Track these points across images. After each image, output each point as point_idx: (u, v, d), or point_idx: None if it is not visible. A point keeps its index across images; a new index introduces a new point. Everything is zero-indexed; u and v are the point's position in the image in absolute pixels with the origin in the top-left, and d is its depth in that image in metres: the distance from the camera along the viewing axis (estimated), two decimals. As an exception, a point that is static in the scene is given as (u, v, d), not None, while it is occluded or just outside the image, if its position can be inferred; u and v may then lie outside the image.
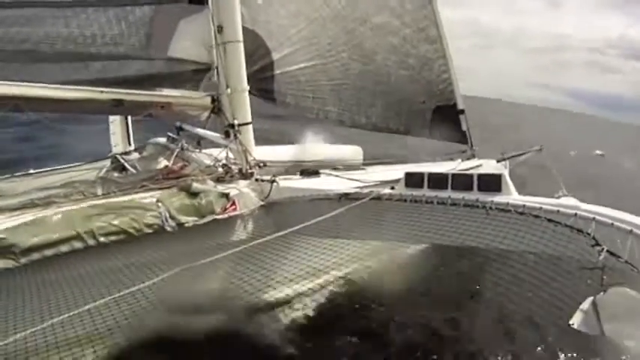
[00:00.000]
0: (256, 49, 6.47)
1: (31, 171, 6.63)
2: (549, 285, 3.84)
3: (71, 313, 3.53)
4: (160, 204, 4.61)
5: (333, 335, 5.14)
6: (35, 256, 3.97)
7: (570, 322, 3.37)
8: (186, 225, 4.65)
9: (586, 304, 3.40)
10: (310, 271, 4.77)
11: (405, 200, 4.56)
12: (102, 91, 5.31)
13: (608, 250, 3.39)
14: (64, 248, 4.09)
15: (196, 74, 6.04)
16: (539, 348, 5.05)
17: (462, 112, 7.49)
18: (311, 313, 5.35)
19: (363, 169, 6.48)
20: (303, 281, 4.92)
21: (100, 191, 5.12)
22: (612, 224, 3.50)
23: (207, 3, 5.75)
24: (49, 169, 6.77)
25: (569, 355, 4.92)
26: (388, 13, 7.31)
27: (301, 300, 5.27)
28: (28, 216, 4.39)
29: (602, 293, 3.39)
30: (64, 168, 6.89)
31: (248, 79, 5.97)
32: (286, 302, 5.15)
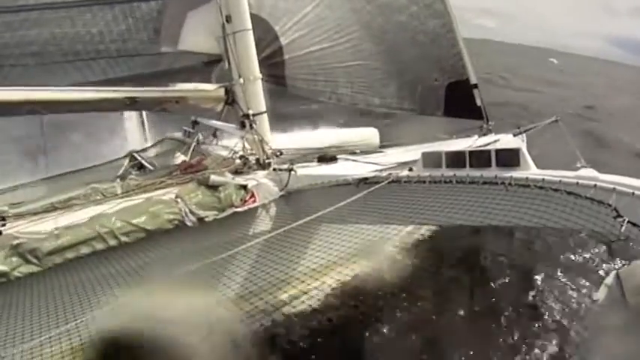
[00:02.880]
0: (264, 35, 6.39)
1: (49, 174, 6.66)
2: (572, 260, 3.81)
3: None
4: (179, 200, 4.60)
5: (360, 323, 5.13)
6: (57, 259, 3.99)
7: (595, 297, 3.32)
8: (207, 219, 4.64)
9: (610, 278, 3.35)
10: (332, 259, 4.76)
11: (424, 182, 4.50)
12: (115, 90, 5.29)
13: (629, 221, 3.32)
14: (85, 250, 4.10)
15: (208, 66, 6.03)
16: (564, 322, 5.01)
17: (476, 86, 7.36)
18: (337, 301, 5.33)
19: (380, 151, 6.43)
20: (326, 270, 4.91)
21: (119, 190, 5.14)
22: (633, 194, 3.43)
23: (213, -6, 5.70)
24: (67, 171, 6.80)
25: (593, 330, 4.88)
26: (394, -10, 7.21)
27: (325, 289, 5.24)
28: (50, 220, 4.42)
29: (625, 265, 3.33)
30: (82, 169, 6.93)
31: (259, 65, 5.93)
32: (309, 292, 5.13)
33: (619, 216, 3.38)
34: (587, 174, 3.76)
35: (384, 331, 5.03)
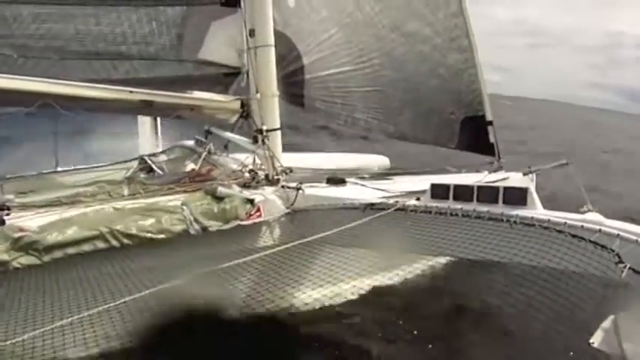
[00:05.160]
0: (287, 53, 6.42)
1: (59, 169, 6.67)
2: (571, 301, 3.76)
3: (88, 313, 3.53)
4: (184, 207, 4.60)
5: (351, 347, 5.08)
6: (58, 254, 3.96)
7: (591, 341, 3.29)
8: (210, 229, 4.62)
9: (607, 323, 3.32)
10: (331, 280, 4.73)
11: (430, 212, 4.49)
12: (131, 91, 5.29)
13: (631, 268, 3.30)
14: (87, 247, 4.08)
15: (226, 77, 6.04)
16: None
17: (491, 123, 7.39)
18: (330, 322, 5.29)
19: (389, 178, 6.41)
20: (323, 291, 4.88)
21: (126, 192, 5.15)
22: (637, 241, 3.41)
23: (239, 5, 5.73)
24: (76, 167, 6.80)
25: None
26: (420, 21, 7.24)
27: (320, 309, 5.21)
28: (54, 214, 4.42)
29: (624, 312, 3.31)
30: (91, 167, 6.93)
31: (278, 82, 5.94)
32: (304, 311, 5.09)
33: (621, 262, 3.36)
34: (593, 218, 3.76)
35: (378, 356, 4.98)
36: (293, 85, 6.53)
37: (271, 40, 5.77)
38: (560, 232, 3.76)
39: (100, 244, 4.13)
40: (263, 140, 5.67)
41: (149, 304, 3.99)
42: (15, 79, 4.75)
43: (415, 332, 5.27)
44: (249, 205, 4.86)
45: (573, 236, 3.69)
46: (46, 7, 5.24)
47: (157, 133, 8.12)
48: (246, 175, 5.71)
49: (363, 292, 5.50)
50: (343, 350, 4.99)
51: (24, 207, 4.62)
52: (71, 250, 4.01)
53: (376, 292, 5.57)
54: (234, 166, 6.08)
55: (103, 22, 5.48)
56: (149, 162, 6.98)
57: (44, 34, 5.26)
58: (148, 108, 5.52)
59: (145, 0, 5.70)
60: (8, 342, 3.37)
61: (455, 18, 7.25)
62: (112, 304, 3.59)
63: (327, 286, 4.73)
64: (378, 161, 7.91)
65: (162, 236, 4.36)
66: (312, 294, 4.90)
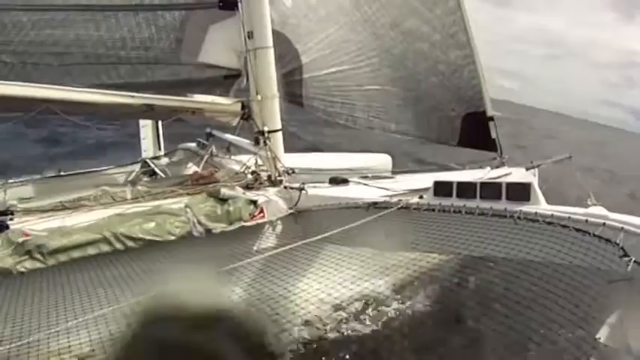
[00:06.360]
0: (285, 53, 6.44)
1: (62, 173, 6.70)
2: (576, 296, 3.76)
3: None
4: (188, 209, 4.60)
5: (355, 348, 5.08)
6: (62, 257, 3.97)
7: (597, 336, 3.29)
8: (214, 231, 4.63)
9: (613, 317, 3.32)
10: (336, 280, 4.74)
11: (433, 210, 4.48)
12: (133, 96, 5.31)
13: (636, 261, 3.30)
14: (91, 251, 4.09)
15: (226, 80, 6.06)
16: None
17: (492, 119, 7.39)
18: (334, 323, 5.30)
19: (392, 177, 6.41)
20: (327, 290, 4.90)
21: (129, 195, 5.14)
22: None
23: (237, 8, 5.74)
24: (79, 171, 6.83)
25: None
26: (418, 18, 7.25)
27: (324, 310, 5.22)
28: (57, 218, 4.43)
29: (629, 306, 3.31)
30: (94, 171, 6.96)
31: (276, 82, 5.96)
32: (308, 312, 5.11)
33: (625, 255, 3.36)
34: (597, 212, 3.74)
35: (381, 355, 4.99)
36: (291, 84, 6.55)
37: (270, 41, 5.78)
38: (564, 226, 3.76)
39: (104, 248, 4.13)
40: (265, 141, 5.69)
41: (149, 307, 4.04)
42: (15, 85, 4.76)
43: (420, 331, 5.28)
44: (252, 207, 4.86)
45: (577, 230, 3.68)
46: (46, 14, 5.27)
47: (158, 136, 8.14)
48: (249, 176, 5.72)
49: (367, 291, 5.52)
50: (348, 349, 5.00)
51: (27, 212, 4.62)
52: (75, 254, 4.01)
53: (380, 291, 5.58)
54: (237, 168, 6.09)
55: (102, 27, 5.50)
56: (151, 165, 7.00)
57: (44, 40, 5.29)
58: (149, 112, 5.52)
59: (144, 5, 5.73)
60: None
61: (452, 14, 7.26)
62: (110, 308, 3.64)
63: (331, 286, 4.74)
64: (381, 160, 7.91)
65: (165, 238, 4.37)
66: (316, 293, 4.92)
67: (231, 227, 4.71)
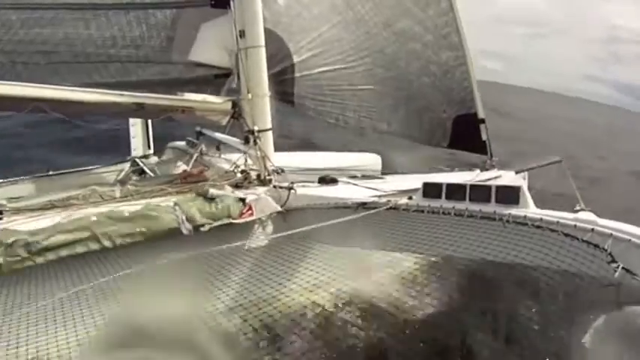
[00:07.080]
0: (277, 51, 6.40)
1: (51, 172, 6.68)
2: (563, 301, 3.79)
3: None
4: (177, 207, 4.60)
5: (340, 348, 5.08)
6: (51, 256, 3.98)
7: (583, 340, 3.32)
8: (202, 229, 4.63)
9: (599, 322, 3.34)
10: (321, 278, 4.75)
11: (422, 211, 4.50)
12: (122, 94, 5.30)
13: (624, 267, 3.31)
14: (80, 249, 4.10)
15: (217, 79, 6.04)
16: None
17: (483, 121, 7.39)
18: (318, 321, 5.29)
19: (381, 177, 6.41)
20: (312, 289, 4.91)
21: (118, 194, 5.14)
22: (630, 240, 3.42)
23: (229, 6, 5.73)
24: (68, 170, 6.81)
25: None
26: (410, 18, 7.25)
27: (309, 308, 5.22)
28: (46, 217, 4.42)
29: (616, 311, 3.33)
30: (83, 170, 6.94)
31: (268, 81, 5.95)
32: (293, 309, 5.11)
33: (614, 261, 3.37)
34: (586, 217, 3.76)
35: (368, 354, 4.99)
36: (282, 83, 6.52)
37: (261, 40, 5.77)
38: (553, 230, 3.77)
39: (93, 246, 4.14)
40: (255, 141, 5.69)
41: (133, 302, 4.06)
42: (5, 84, 4.75)
43: (407, 332, 5.28)
44: (240, 204, 4.86)
45: (566, 235, 3.70)
46: (35, 12, 5.25)
47: (148, 134, 8.12)
48: (238, 175, 5.71)
49: (352, 290, 5.51)
50: (333, 349, 5.00)
51: (17, 211, 4.62)
52: (64, 252, 4.02)
53: (366, 291, 5.57)
54: (226, 167, 6.07)
55: (92, 25, 5.49)
56: (141, 164, 6.99)
57: (33, 39, 5.28)
58: (139, 110, 5.52)
59: (135, 3, 5.71)
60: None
61: (445, 15, 7.26)
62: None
63: (316, 284, 4.75)
64: (370, 160, 7.90)
65: (154, 236, 4.37)
66: (301, 291, 4.93)
67: (219, 223, 4.70)
